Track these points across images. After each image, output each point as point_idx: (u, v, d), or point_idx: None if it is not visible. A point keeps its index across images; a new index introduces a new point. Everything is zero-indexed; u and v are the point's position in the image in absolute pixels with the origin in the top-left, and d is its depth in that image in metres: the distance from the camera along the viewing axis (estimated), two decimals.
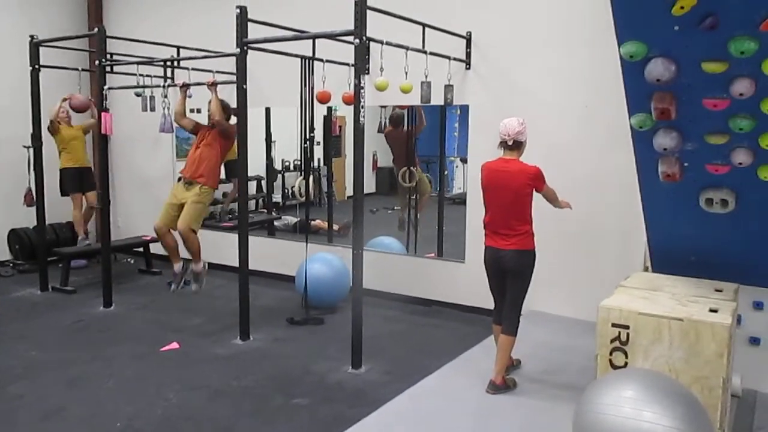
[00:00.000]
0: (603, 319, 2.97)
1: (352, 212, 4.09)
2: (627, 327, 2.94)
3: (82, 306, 5.68)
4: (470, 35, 5.32)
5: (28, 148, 6.49)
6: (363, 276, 4.14)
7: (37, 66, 6.06)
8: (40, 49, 6.05)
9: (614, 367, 2.96)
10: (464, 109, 5.51)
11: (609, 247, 4.88)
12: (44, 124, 6.35)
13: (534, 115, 4.75)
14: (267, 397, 3.79)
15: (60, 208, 6.99)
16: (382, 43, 4.41)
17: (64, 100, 6.57)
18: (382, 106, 6.50)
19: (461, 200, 6.03)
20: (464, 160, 6.17)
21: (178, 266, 5.59)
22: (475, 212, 5.40)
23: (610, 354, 2.97)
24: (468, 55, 5.35)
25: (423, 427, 3.23)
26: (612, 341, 2.97)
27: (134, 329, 5.08)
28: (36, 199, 6.29)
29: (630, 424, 2.40)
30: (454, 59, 5.15)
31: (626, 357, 2.95)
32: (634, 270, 4.35)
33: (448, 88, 5.01)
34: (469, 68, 5.37)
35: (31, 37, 6.06)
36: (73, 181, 6.91)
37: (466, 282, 5.49)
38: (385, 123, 6.88)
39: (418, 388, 3.70)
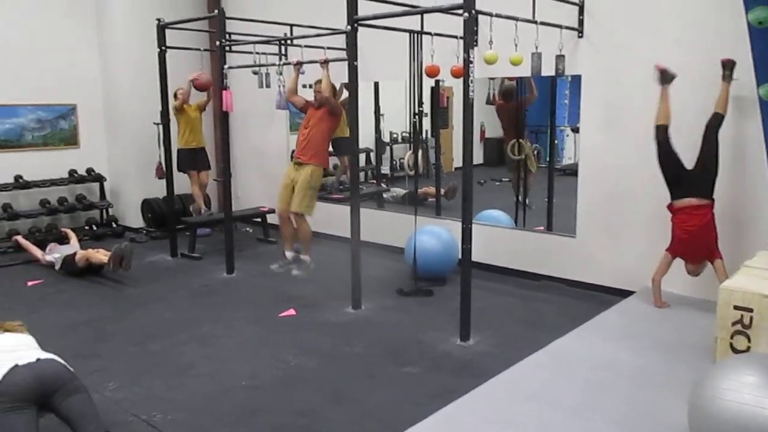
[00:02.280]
0: (724, 301, 2.87)
1: (462, 186, 4.12)
2: (750, 310, 2.81)
3: (207, 272, 6.12)
4: (583, 2, 5.12)
5: (157, 124, 7.00)
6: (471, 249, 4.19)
7: (163, 47, 6.49)
8: (166, 31, 6.48)
9: (735, 351, 2.85)
10: (576, 78, 5.34)
11: (731, 222, 4.61)
12: (171, 102, 6.82)
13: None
14: (377, 364, 3.96)
15: (186, 180, 7.52)
16: (491, 15, 4.36)
17: (193, 79, 6.98)
18: (490, 78, 6.42)
19: (571, 171, 5.88)
20: (575, 130, 6.00)
21: (290, 254, 5.92)
22: (588, 184, 5.29)
23: (731, 337, 2.87)
24: (581, 23, 5.16)
25: (532, 400, 3.26)
26: (734, 324, 2.86)
27: (254, 295, 5.42)
28: (165, 171, 6.80)
29: (748, 411, 2.33)
30: (566, 28, 4.99)
31: (749, 341, 2.83)
32: (757, 248, 4.12)
33: (560, 58, 4.87)
34: (581, 37, 5.18)
35: (158, 20, 6.48)
36: (187, 160, 7.38)
37: (577, 257, 5.39)
38: (493, 94, 6.80)
39: (527, 362, 3.71)
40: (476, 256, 4.33)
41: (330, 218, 6.91)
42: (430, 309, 4.96)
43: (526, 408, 3.19)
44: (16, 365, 2.72)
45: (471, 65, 4.02)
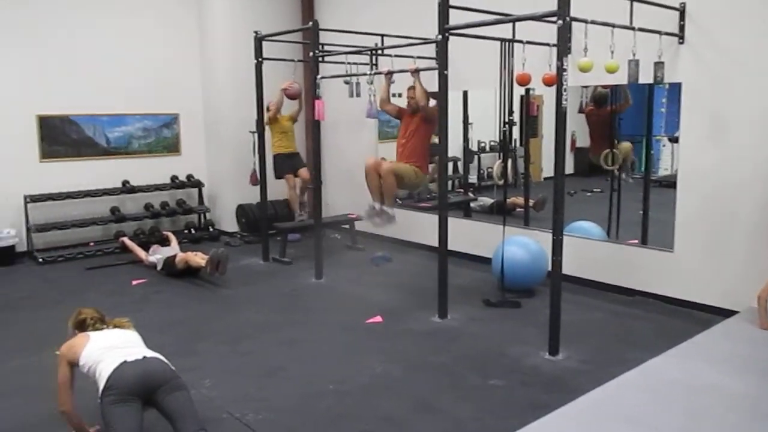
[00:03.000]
0: None
1: (553, 197, 4.04)
2: None
3: (296, 276, 6.30)
4: (684, 7, 4.90)
5: (253, 133, 7.28)
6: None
7: (260, 59, 6.75)
8: (262, 43, 6.73)
9: None
10: (675, 86, 5.11)
11: None
12: (267, 112, 7.08)
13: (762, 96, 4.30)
14: (463, 375, 3.93)
15: (278, 187, 7.78)
16: (586, 22, 4.25)
17: (284, 89, 7.24)
18: (583, 87, 6.26)
19: (668, 183, 5.63)
20: (673, 140, 5.75)
21: (377, 205, 5.97)
22: (688, 197, 5.04)
23: None
24: (681, 28, 4.94)
25: (627, 423, 3.12)
26: None
27: (342, 301, 5.52)
28: (259, 178, 7.06)
29: None
30: (666, 34, 4.80)
31: None
32: None
33: (659, 65, 4.69)
34: (682, 42, 4.96)
35: (255, 33, 6.75)
36: (285, 164, 7.65)
37: (675, 272, 5.15)
38: (585, 102, 6.63)
39: (620, 381, 3.58)
40: (566, 269, 4.22)
41: (416, 226, 6.94)
42: (517, 321, 4.88)
43: (621, 431, 3.07)
44: (125, 361, 2.91)
45: (564, 73, 3.95)
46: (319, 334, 4.68)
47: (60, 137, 7.48)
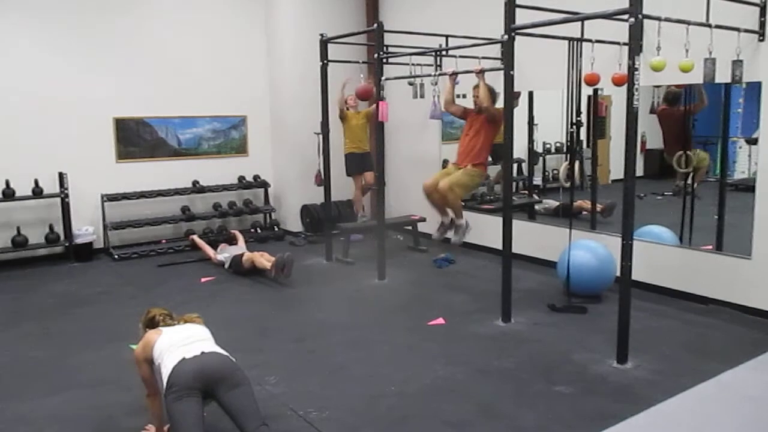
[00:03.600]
0: None
1: (623, 200, 3.92)
2: None
3: (359, 277, 6.34)
4: (765, 2, 4.67)
5: (318, 134, 7.39)
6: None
7: (325, 61, 6.85)
8: (328, 45, 6.82)
9: None
10: (753, 86, 4.88)
11: None
12: (332, 113, 7.16)
13: None
14: (527, 380, 3.87)
15: (342, 188, 7.87)
16: (659, 19, 4.11)
17: (344, 85, 7.33)
18: (655, 86, 6.05)
19: (745, 187, 5.38)
20: (750, 141, 5.48)
21: (446, 219, 6.00)
22: (767, 201, 4.80)
23: None
24: (762, 24, 4.70)
25: None
26: None
27: (404, 302, 5.53)
28: (323, 179, 7.16)
29: None
30: (745, 31, 4.58)
31: None
32: None
33: (737, 64, 4.48)
34: (762, 40, 4.72)
35: (321, 35, 6.85)
36: (355, 164, 7.74)
37: (753, 280, 4.91)
38: (657, 102, 6.40)
39: (693, 392, 3.43)
40: (636, 274, 4.09)
41: (480, 228, 6.87)
42: (583, 327, 4.76)
43: None
44: (183, 358, 2.97)
45: (636, 73, 3.83)
46: (381, 335, 4.70)
47: (135, 139, 7.80)
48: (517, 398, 3.65)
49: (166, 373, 2.95)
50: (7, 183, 6.87)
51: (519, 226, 5.58)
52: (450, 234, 6.05)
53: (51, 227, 7.16)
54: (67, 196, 7.16)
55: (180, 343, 3.10)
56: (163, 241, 7.85)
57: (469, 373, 4.00)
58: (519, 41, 4.75)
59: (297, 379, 3.96)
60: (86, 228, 7.36)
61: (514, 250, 4.95)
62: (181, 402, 2.85)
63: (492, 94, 5.80)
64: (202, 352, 3.03)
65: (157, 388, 3.17)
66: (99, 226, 7.54)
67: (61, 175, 7.15)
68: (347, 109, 7.64)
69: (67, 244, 7.22)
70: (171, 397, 2.87)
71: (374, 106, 7.61)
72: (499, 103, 5.29)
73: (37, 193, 7.04)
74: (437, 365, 4.11)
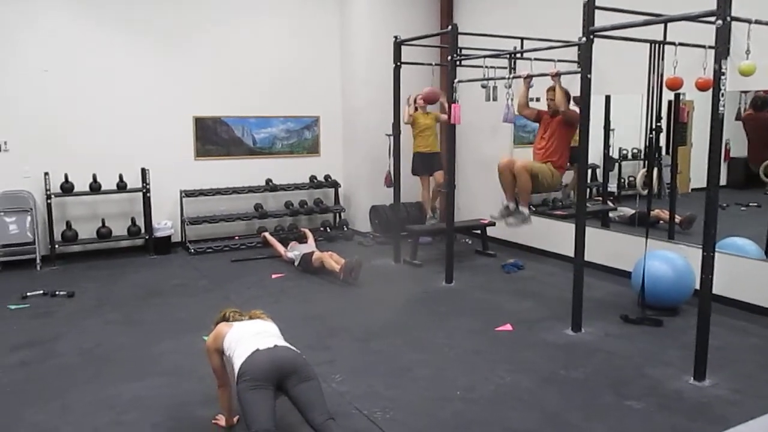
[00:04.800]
0: None
1: (705, 209, 3.76)
2: None
3: (427, 279, 6.35)
4: None
5: (389, 135, 7.44)
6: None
7: (399, 63, 6.88)
8: (401, 47, 6.85)
9: None
10: None
11: None
12: (403, 115, 7.21)
13: None
14: (597, 392, 3.77)
15: (411, 190, 7.89)
16: (749, 22, 3.92)
17: (409, 105, 7.42)
18: (742, 92, 5.78)
19: None
20: None
21: (511, 204, 5.91)
22: None
23: None
24: None
25: None
26: None
27: (471, 306, 5.49)
28: (393, 180, 7.20)
29: None
30: None
31: None
32: None
33: None
34: None
35: (395, 37, 6.89)
36: (423, 164, 7.76)
37: None
38: (744, 108, 6.10)
39: None
40: (716, 288, 3.92)
41: (551, 234, 6.75)
42: (658, 341, 4.59)
43: None
44: (258, 349, 3.06)
45: (722, 77, 3.67)
46: (447, 338, 4.69)
47: (212, 137, 8.07)
48: (585, 410, 3.56)
49: (238, 362, 3.04)
50: (95, 177, 7.25)
51: (592, 233, 5.44)
52: (511, 220, 5.95)
53: (133, 220, 7.51)
54: (148, 191, 7.49)
55: (252, 335, 3.19)
56: (237, 237, 8.09)
57: (536, 381, 3.93)
58: (597, 43, 4.63)
59: (362, 378, 4.00)
60: (165, 222, 7.68)
61: (587, 257, 4.83)
62: (254, 392, 2.91)
63: (568, 96, 5.70)
64: (276, 345, 3.12)
65: (227, 379, 3.28)
66: (177, 220, 7.85)
67: (143, 171, 7.48)
68: (415, 110, 7.69)
69: (147, 237, 7.55)
70: (243, 385, 2.94)
71: (444, 111, 7.65)
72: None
73: (122, 187, 7.40)
74: (504, 372, 4.06)
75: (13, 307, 5.55)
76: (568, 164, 6.15)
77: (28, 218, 6.99)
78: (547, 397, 3.71)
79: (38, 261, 6.99)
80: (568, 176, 7.15)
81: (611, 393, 3.75)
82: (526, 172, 5.69)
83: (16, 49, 6.93)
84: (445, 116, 7.45)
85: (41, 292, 5.90)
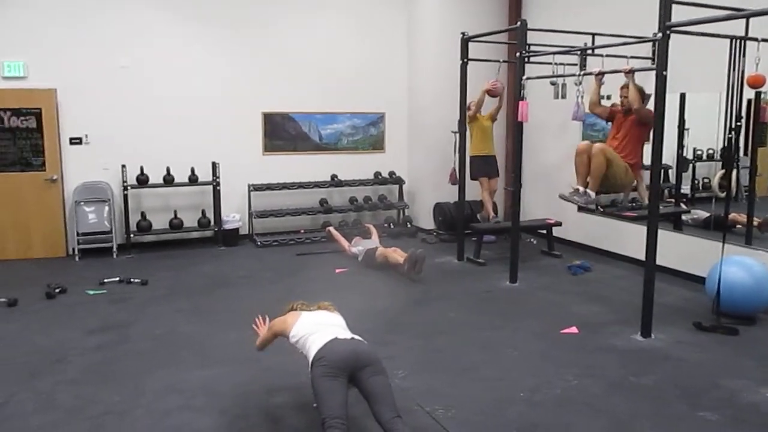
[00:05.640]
0: None
1: None
2: None
3: (490, 278, 6.29)
4: None
5: (454, 133, 7.40)
6: None
7: (466, 60, 6.83)
8: (468, 43, 6.80)
9: None
10: None
11: None
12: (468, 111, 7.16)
13: None
14: (667, 401, 3.64)
15: (476, 188, 7.83)
16: None
17: (487, 90, 7.30)
18: None
19: None
20: None
21: (581, 187, 5.80)
22: None
23: None
24: None
25: None
26: None
27: (536, 307, 5.41)
28: (458, 178, 7.15)
29: None
30: None
31: None
32: None
33: None
34: None
35: (462, 34, 6.84)
36: (480, 167, 7.68)
37: None
38: None
39: None
40: None
41: (620, 237, 6.56)
42: (733, 350, 4.40)
43: None
44: (336, 338, 3.11)
45: None
46: (511, 339, 4.63)
47: (280, 133, 8.24)
48: (655, 419, 3.44)
49: (315, 347, 3.09)
50: (168, 170, 7.53)
51: (663, 236, 5.26)
52: (576, 198, 5.83)
53: (203, 212, 7.75)
54: (218, 184, 7.71)
55: (326, 325, 3.26)
56: (302, 231, 8.23)
57: (603, 386, 3.83)
58: (673, 39, 4.47)
59: (425, 375, 4.00)
60: (233, 215, 7.89)
61: (658, 261, 4.68)
62: (328, 379, 2.95)
63: (642, 94, 5.52)
64: (353, 338, 3.18)
65: (266, 346, 3.56)
66: (245, 213, 8.05)
67: (214, 165, 7.71)
68: (478, 109, 7.62)
69: (216, 229, 7.78)
70: (319, 370, 2.98)
71: (497, 105, 7.59)
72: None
73: (193, 180, 7.64)
74: (569, 375, 3.98)
75: (91, 292, 5.84)
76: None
77: (106, 208, 7.32)
78: (615, 404, 3.62)
79: (115, 249, 7.32)
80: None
81: (683, 403, 3.62)
82: (602, 155, 5.59)
83: (96, 45, 7.26)
84: (496, 105, 7.53)
85: (117, 279, 6.18)
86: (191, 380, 3.93)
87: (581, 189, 5.83)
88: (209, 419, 3.43)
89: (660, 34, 4.45)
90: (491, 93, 7.46)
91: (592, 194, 5.76)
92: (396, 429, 2.87)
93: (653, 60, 5.38)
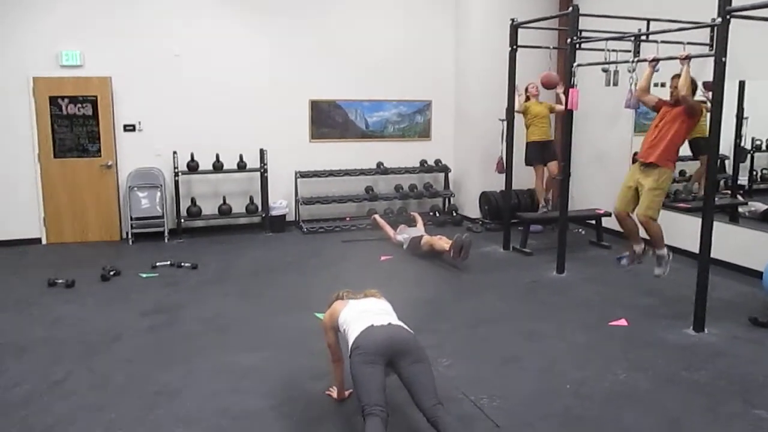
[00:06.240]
0: None
1: None
2: None
3: (537, 268, 6.21)
4: None
5: (502, 121, 7.30)
6: None
7: (515, 47, 6.71)
8: (518, 30, 6.68)
9: None
10: None
11: None
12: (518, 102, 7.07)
13: None
14: (721, 398, 3.54)
15: (523, 177, 7.72)
16: None
17: (520, 93, 7.24)
18: None
19: None
20: None
21: (638, 248, 5.58)
22: None
23: None
24: None
25: None
26: None
27: (583, 298, 5.32)
28: (505, 167, 7.07)
29: None
30: None
31: None
32: None
33: None
34: None
35: (512, 20, 6.72)
36: (536, 153, 7.56)
37: None
38: None
39: None
40: None
41: (672, 228, 6.36)
42: None
43: None
44: (372, 325, 3.09)
45: None
46: (557, 330, 4.57)
47: (327, 120, 8.28)
48: (708, 416, 3.35)
49: (353, 335, 3.10)
50: (217, 157, 7.66)
51: (719, 228, 5.09)
52: (655, 268, 5.52)
53: (251, 199, 7.87)
54: (266, 170, 7.82)
55: (368, 312, 3.25)
56: (348, 218, 8.28)
57: (653, 381, 3.75)
58: (733, 24, 4.29)
59: (470, 364, 3.99)
60: (281, 201, 7.99)
61: (713, 254, 4.54)
62: (365, 366, 2.95)
63: (693, 85, 5.29)
64: (390, 324, 3.15)
65: (341, 355, 3.37)
66: (291, 200, 8.14)
67: (261, 152, 7.81)
68: (527, 98, 7.49)
69: (263, 215, 7.90)
70: (357, 359, 2.98)
71: (560, 101, 7.41)
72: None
73: (241, 167, 7.76)
74: (618, 369, 3.90)
75: (144, 275, 6.01)
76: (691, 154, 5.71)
77: (158, 194, 7.50)
78: (667, 399, 3.53)
79: (166, 234, 7.51)
80: (693, 166, 6.73)
81: (738, 400, 3.51)
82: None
83: (150, 34, 7.41)
84: (560, 107, 7.19)
85: (169, 263, 6.34)
86: (239, 363, 4.01)
87: (638, 251, 5.56)
88: (256, 402, 3.50)
89: (719, 19, 4.28)
90: (546, 85, 7.30)
91: (664, 251, 5.38)
92: (437, 416, 2.85)
93: (711, 46, 5.18)
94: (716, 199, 5.61)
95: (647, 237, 5.36)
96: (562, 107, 7.32)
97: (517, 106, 7.30)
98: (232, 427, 3.25)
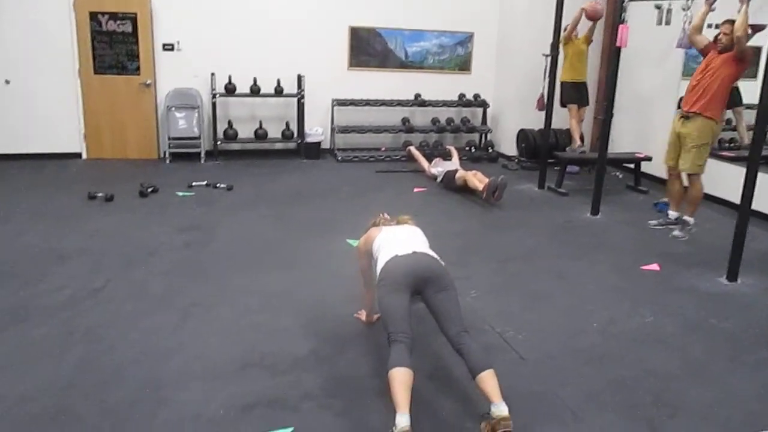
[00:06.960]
0: None
1: None
2: None
3: (571, 209, 6.15)
4: None
5: (546, 56, 7.08)
6: None
7: None
8: None
9: None
10: None
11: None
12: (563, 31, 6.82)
13: None
14: (749, 347, 3.52)
15: (563, 116, 7.55)
16: None
17: (584, 9, 6.91)
18: None
19: None
20: None
21: (673, 213, 5.51)
22: None
23: None
24: None
25: None
26: None
27: (617, 241, 5.28)
28: (546, 104, 6.91)
29: None
30: None
31: None
32: None
33: None
34: None
35: None
36: (571, 93, 7.35)
37: None
38: None
39: None
40: None
41: (716, 177, 6.21)
42: None
43: None
44: (396, 255, 3.09)
45: None
46: (588, 270, 4.56)
47: (366, 48, 8.13)
48: (732, 362, 3.35)
49: (379, 266, 3.13)
50: (255, 80, 7.62)
51: (763, 179, 4.96)
52: (676, 232, 5.47)
53: (287, 125, 7.87)
54: (303, 97, 7.77)
55: (396, 241, 3.25)
56: (383, 148, 8.25)
57: (680, 326, 3.74)
58: None
59: (497, 297, 4.03)
60: (316, 128, 7.97)
61: (754, 206, 4.43)
62: (391, 295, 2.98)
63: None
64: (414, 252, 3.14)
65: (373, 281, 3.42)
66: (327, 128, 8.12)
67: (299, 78, 7.74)
68: (575, 35, 7.24)
69: (299, 142, 7.91)
70: (382, 290, 3.03)
71: (590, 29, 7.15)
72: None
73: (279, 92, 7.73)
74: (646, 312, 3.90)
75: (180, 193, 6.12)
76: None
77: (195, 115, 7.54)
78: (691, 344, 3.53)
79: (202, 155, 7.60)
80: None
81: (765, 350, 3.49)
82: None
83: None
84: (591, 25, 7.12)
85: (204, 183, 6.44)
86: (271, 282, 4.11)
87: (673, 215, 5.51)
88: (286, 320, 3.60)
89: None
90: (590, 15, 7.04)
91: (692, 219, 5.38)
92: (463, 342, 2.87)
93: None
94: (763, 150, 5.43)
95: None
96: (593, 26, 7.12)
97: (567, 33, 7.03)
98: (263, 342, 3.35)
